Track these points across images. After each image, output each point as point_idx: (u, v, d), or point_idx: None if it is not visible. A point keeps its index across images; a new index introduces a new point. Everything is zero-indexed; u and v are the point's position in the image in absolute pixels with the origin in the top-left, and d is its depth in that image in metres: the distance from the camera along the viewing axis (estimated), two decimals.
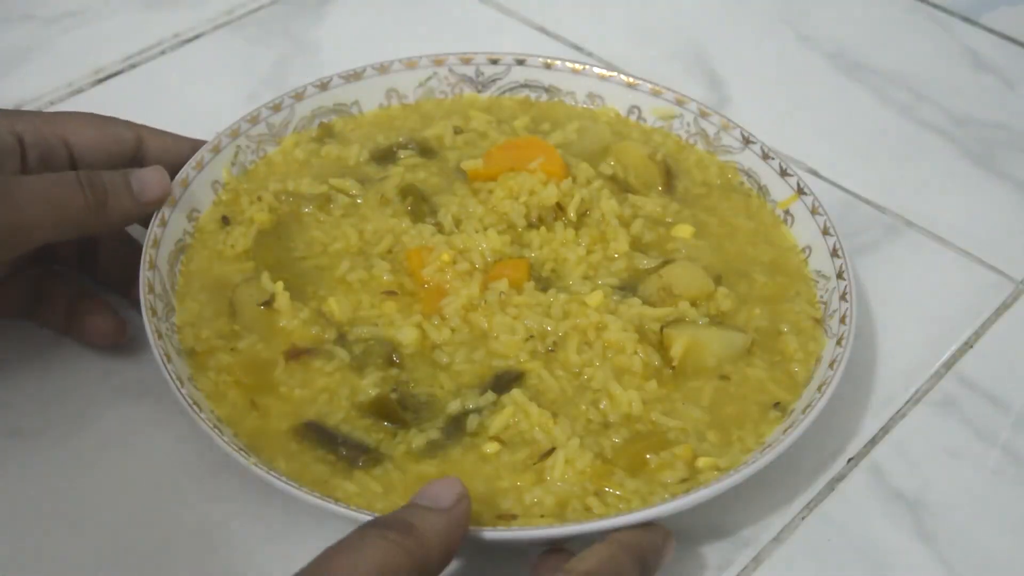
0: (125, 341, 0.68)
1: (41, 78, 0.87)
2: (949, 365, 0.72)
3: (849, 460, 0.66)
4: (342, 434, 0.62)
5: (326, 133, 0.79)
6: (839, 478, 0.65)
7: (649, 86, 0.80)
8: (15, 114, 0.66)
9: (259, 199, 0.73)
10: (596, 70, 0.81)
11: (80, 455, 0.64)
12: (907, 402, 0.69)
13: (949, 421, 0.69)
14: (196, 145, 0.72)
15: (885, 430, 0.68)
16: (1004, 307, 0.75)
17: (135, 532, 0.61)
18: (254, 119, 0.76)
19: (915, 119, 0.89)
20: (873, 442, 0.67)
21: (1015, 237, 0.80)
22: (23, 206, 0.59)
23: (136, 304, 0.64)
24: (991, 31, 0.97)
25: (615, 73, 0.81)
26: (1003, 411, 0.69)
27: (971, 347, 0.73)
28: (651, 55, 0.93)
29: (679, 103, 0.80)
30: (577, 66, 0.82)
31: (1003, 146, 0.87)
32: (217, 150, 0.73)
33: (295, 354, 0.65)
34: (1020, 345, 0.73)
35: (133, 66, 0.89)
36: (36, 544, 0.60)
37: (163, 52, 0.90)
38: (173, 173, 0.69)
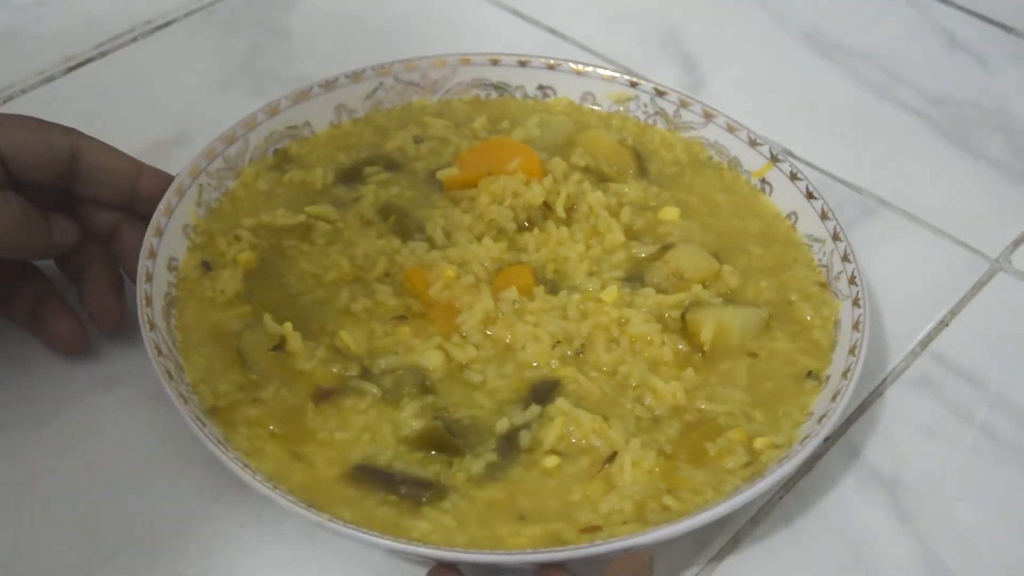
0: (85, 348, 0.67)
1: (12, 66, 0.84)
2: (925, 344, 0.72)
3: (826, 440, 0.65)
4: (397, 472, 0.60)
5: (283, 159, 0.76)
6: (816, 457, 0.65)
7: (601, 71, 0.80)
8: None
9: (237, 238, 0.70)
10: (543, 61, 0.80)
11: (52, 445, 0.63)
12: (883, 381, 0.69)
13: (925, 400, 0.69)
14: (134, 165, 0.68)
15: (861, 409, 0.68)
16: (979, 285, 0.75)
17: (109, 520, 0.60)
18: (210, 154, 0.72)
19: (890, 99, 0.89)
20: (850, 421, 0.67)
21: (990, 216, 0.80)
22: None
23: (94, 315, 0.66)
24: (965, 10, 0.97)
25: (563, 62, 0.80)
26: (979, 389, 0.70)
27: (947, 326, 0.73)
28: (626, 38, 0.92)
29: (632, 85, 0.79)
30: (524, 59, 0.80)
31: (978, 125, 0.87)
32: (180, 192, 0.69)
33: (322, 396, 0.63)
34: (996, 323, 0.73)
35: (104, 53, 0.87)
36: (7, 533, 0.59)
37: (135, 39, 0.88)
38: (113, 191, 0.67)
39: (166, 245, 0.67)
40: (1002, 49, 0.94)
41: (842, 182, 0.82)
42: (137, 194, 0.68)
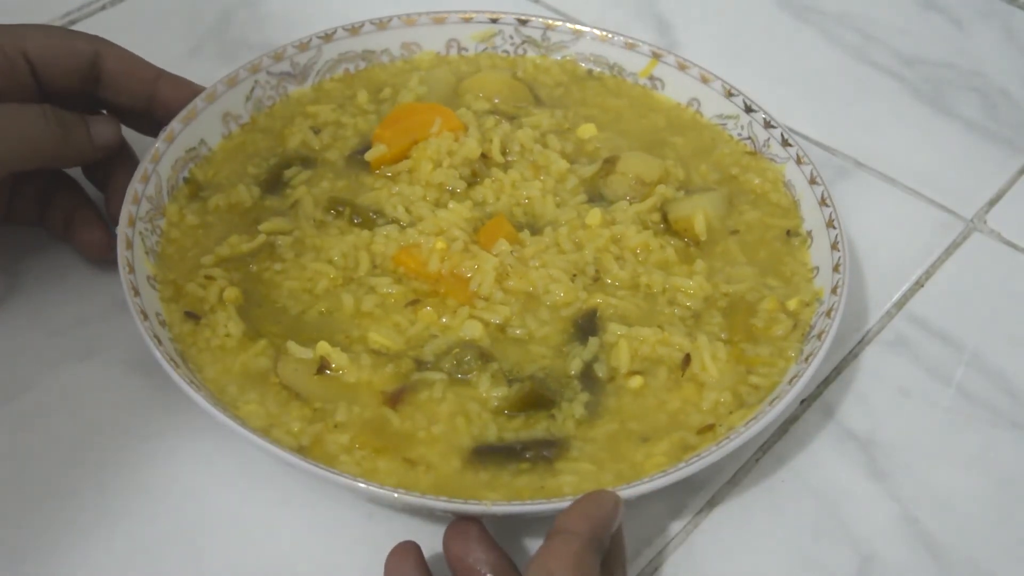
0: (112, 257, 0.64)
1: None
2: (900, 305, 0.72)
3: (802, 402, 0.66)
4: (514, 441, 0.60)
5: (195, 188, 0.71)
6: (792, 419, 0.65)
7: (459, 15, 0.80)
8: None
9: (209, 278, 0.66)
10: (401, 19, 0.80)
11: (25, 414, 0.63)
12: (859, 342, 0.70)
13: (901, 360, 0.69)
14: (154, 71, 0.69)
15: (837, 371, 0.68)
16: (954, 246, 0.75)
17: (84, 489, 0.60)
18: (135, 199, 0.67)
19: (864, 60, 0.89)
20: (826, 383, 0.67)
21: (965, 176, 0.80)
22: None
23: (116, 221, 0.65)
24: None
25: (420, 15, 0.80)
26: (955, 349, 0.70)
27: (922, 286, 0.73)
28: (600, 1, 0.90)
29: (494, 20, 0.81)
30: (382, 21, 0.79)
31: (952, 85, 0.87)
32: (130, 245, 0.64)
33: (394, 399, 0.61)
34: (971, 284, 0.74)
35: (73, 22, 0.86)
36: None
37: (104, 7, 0.88)
38: (132, 96, 0.69)
39: (147, 302, 0.63)
40: (976, 9, 0.94)
41: (817, 143, 0.82)
42: (155, 99, 0.69)
